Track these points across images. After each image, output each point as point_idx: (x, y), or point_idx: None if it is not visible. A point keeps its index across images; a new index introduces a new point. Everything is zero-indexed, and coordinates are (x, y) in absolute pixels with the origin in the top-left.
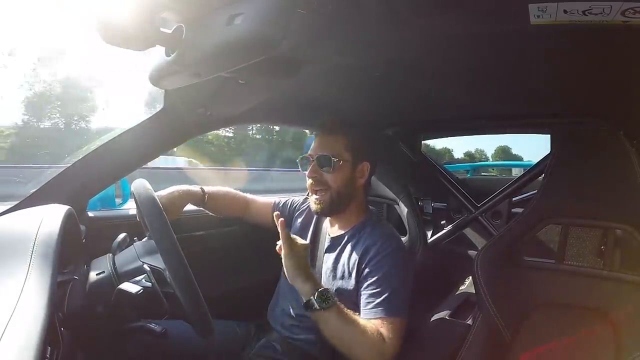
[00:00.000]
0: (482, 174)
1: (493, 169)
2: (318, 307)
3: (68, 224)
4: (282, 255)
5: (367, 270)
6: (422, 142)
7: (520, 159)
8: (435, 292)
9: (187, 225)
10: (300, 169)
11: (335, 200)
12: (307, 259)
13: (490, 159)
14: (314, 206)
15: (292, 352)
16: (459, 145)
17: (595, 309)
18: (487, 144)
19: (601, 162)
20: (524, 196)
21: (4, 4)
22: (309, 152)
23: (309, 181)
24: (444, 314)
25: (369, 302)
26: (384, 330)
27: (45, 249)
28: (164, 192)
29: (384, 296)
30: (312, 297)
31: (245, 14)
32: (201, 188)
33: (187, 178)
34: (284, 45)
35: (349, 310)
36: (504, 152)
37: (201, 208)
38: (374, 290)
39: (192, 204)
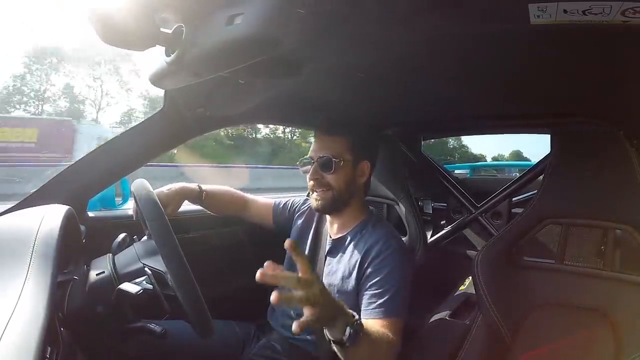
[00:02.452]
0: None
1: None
2: (349, 344)
3: (68, 224)
4: (311, 309)
5: (369, 270)
6: (460, 144)
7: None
8: (435, 292)
9: (188, 226)
10: (300, 170)
11: (337, 199)
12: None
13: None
14: (314, 203)
15: (292, 352)
16: (485, 149)
17: (595, 309)
18: (505, 148)
19: (601, 162)
20: (524, 196)
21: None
22: (310, 154)
23: (310, 182)
24: (444, 314)
25: (370, 303)
26: (385, 331)
27: (45, 249)
28: (161, 190)
29: (386, 297)
30: (345, 335)
31: (245, 14)
32: (198, 185)
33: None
34: (284, 45)
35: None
36: (517, 156)
37: (201, 208)
38: (375, 291)
39: (189, 201)
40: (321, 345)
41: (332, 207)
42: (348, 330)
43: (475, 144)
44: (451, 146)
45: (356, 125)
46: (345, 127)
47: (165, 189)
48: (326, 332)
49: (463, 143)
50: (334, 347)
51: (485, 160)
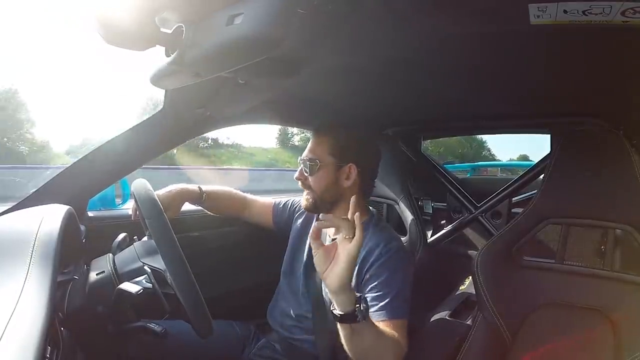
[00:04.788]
0: None
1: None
2: (360, 318)
3: (68, 224)
4: (321, 263)
5: (369, 273)
6: (490, 154)
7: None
8: (435, 292)
9: (188, 226)
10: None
11: (318, 202)
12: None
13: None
14: (303, 202)
15: (291, 352)
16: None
17: (595, 309)
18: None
19: (601, 162)
20: (524, 196)
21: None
22: (302, 155)
23: (299, 182)
24: (444, 314)
25: (372, 305)
26: (390, 331)
27: (45, 249)
28: (162, 191)
29: (387, 299)
30: (357, 306)
31: (245, 13)
32: (199, 187)
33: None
34: (284, 45)
35: None
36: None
37: (201, 208)
38: (376, 294)
39: (189, 202)
40: (321, 345)
41: (315, 208)
42: (359, 304)
43: (496, 151)
44: (483, 155)
45: (343, 127)
46: (332, 128)
47: (165, 190)
48: (334, 308)
49: (492, 152)
50: (341, 331)
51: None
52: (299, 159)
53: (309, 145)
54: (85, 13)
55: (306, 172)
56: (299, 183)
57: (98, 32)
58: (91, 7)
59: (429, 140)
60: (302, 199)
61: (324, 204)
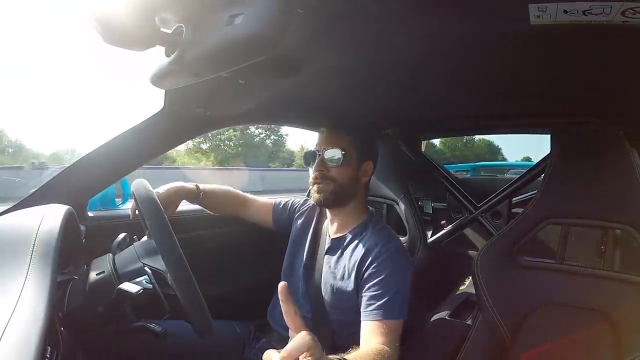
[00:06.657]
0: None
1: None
2: None
3: (68, 223)
4: None
5: (368, 272)
6: (503, 158)
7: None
8: (435, 292)
9: (188, 226)
10: (304, 164)
11: (338, 193)
12: None
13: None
14: (315, 195)
15: None
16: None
17: (595, 309)
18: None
19: (601, 162)
20: (524, 196)
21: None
22: (315, 147)
23: (314, 174)
24: (444, 314)
25: (369, 304)
26: (384, 332)
27: (45, 248)
28: (159, 190)
29: (385, 299)
30: None
31: (245, 14)
32: (196, 185)
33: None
34: (284, 45)
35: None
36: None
37: (201, 208)
38: (374, 293)
39: (187, 200)
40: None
41: (333, 200)
42: None
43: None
44: (498, 158)
45: (361, 125)
46: (351, 126)
47: (163, 189)
48: None
49: (504, 157)
50: None
51: None
52: (314, 150)
53: (327, 139)
54: (85, 13)
55: (330, 162)
56: (315, 175)
57: (97, 31)
58: (91, 6)
59: (462, 147)
60: (314, 193)
61: (343, 196)
